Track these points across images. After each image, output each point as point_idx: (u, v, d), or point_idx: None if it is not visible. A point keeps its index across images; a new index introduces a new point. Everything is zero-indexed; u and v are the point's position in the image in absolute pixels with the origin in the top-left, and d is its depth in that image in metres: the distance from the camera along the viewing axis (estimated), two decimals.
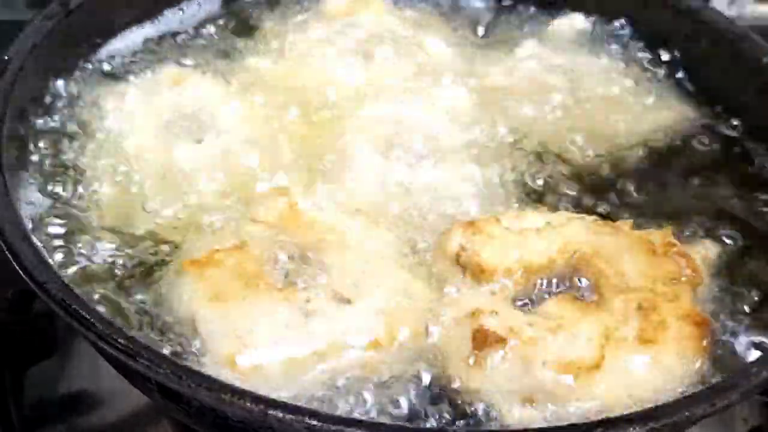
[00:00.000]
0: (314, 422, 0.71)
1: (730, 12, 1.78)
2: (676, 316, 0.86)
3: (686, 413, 0.76)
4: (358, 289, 0.89)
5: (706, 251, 0.97)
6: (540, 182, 1.07)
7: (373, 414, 0.81)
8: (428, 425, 0.81)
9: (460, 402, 0.83)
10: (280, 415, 0.72)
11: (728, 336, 0.90)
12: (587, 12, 1.33)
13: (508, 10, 1.36)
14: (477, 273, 0.90)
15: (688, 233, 1.00)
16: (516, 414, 0.81)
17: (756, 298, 0.95)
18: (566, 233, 0.93)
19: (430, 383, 0.84)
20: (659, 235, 0.94)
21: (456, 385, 0.83)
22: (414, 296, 0.90)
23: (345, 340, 0.85)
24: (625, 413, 0.79)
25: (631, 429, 0.74)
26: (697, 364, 0.85)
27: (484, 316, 0.85)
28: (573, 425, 0.78)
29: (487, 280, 0.89)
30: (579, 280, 0.91)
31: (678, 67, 1.27)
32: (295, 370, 0.83)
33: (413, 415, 0.82)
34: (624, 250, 0.91)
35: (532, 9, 1.36)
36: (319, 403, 0.82)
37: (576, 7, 1.34)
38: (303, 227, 0.94)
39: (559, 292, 0.90)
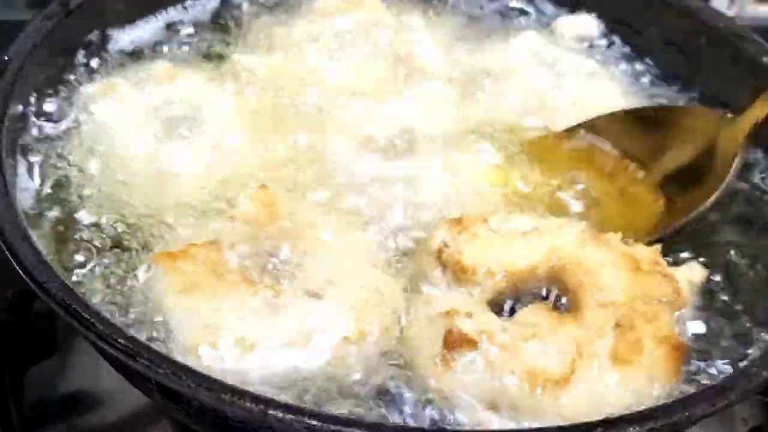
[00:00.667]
0: (314, 422, 0.71)
1: (730, 12, 1.78)
2: (653, 337, 0.84)
3: (686, 413, 0.76)
4: (331, 285, 0.89)
5: (692, 274, 0.94)
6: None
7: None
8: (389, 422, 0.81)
9: (421, 400, 0.82)
10: (280, 415, 0.72)
11: (703, 362, 0.88)
12: (587, 10, 1.33)
13: (502, 12, 1.37)
14: (457, 272, 0.88)
15: (679, 251, 0.99)
16: (477, 417, 0.81)
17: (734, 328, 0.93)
18: (552, 240, 0.92)
19: (393, 379, 0.84)
20: (646, 252, 0.92)
21: (421, 383, 0.83)
22: (387, 293, 0.90)
23: (312, 335, 0.85)
24: (625, 413, 0.79)
25: (631, 429, 0.74)
26: (669, 388, 0.83)
27: (459, 317, 0.84)
28: (573, 425, 0.78)
29: (467, 280, 0.88)
30: (559, 290, 0.90)
31: (676, 67, 1.27)
32: (260, 361, 0.84)
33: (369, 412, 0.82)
34: (608, 264, 0.90)
35: (532, 12, 1.36)
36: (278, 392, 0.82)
37: (574, 7, 1.34)
38: (279, 224, 0.95)
39: (538, 301, 0.89)
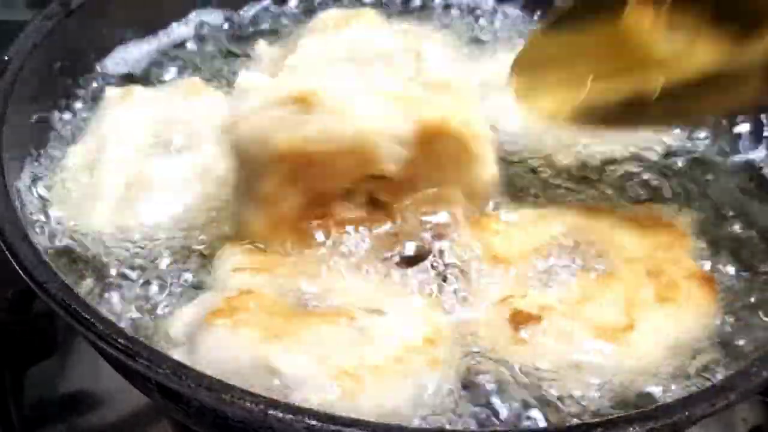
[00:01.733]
0: (314, 422, 0.71)
1: None
2: (683, 276, 0.92)
3: (686, 413, 0.76)
4: (377, 300, 0.90)
5: (684, 218, 1.02)
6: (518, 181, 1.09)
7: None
8: (501, 412, 0.84)
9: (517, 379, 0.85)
10: (280, 415, 0.72)
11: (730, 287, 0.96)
12: None
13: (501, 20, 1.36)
14: (493, 263, 0.93)
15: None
16: (570, 381, 0.85)
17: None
18: (561, 220, 0.98)
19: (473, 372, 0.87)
20: (641, 211, 1.01)
21: (507, 365, 0.86)
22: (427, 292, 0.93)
23: (405, 344, 0.86)
24: (624, 413, 0.79)
25: (631, 429, 0.74)
26: (715, 314, 0.91)
27: (515, 300, 0.90)
28: (573, 426, 0.78)
29: (505, 268, 0.93)
30: (586, 256, 0.95)
31: None
32: (384, 379, 0.83)
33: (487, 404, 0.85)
34: (616, 228, 0.97)
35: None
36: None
37: None
38: (282, 265, 0.92)
39: (570, 271, 0.94)
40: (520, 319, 0.88)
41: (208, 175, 1.02)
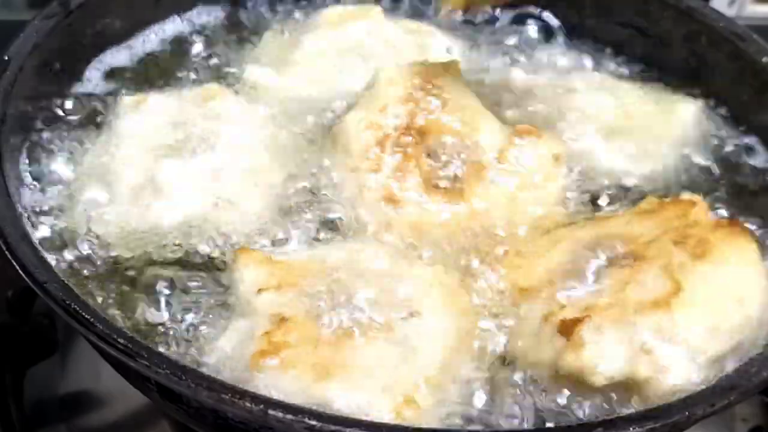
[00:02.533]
0: (314, 422, 0.71)
1: (730, 12, 1.78)
2: (707, 231, 0.92)
3: (686, 413, 0.76)
4: (409, 300, 0.89)
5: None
6: None
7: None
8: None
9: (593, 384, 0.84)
10: (280, 415, 0.72)
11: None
12: (582, 11, 1.33)
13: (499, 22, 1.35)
14: (523, 297, 0.93)
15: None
16: (648, 364, 0.83)
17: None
18: (573, 235, 0.97)
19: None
20: (646, 204, 1.00)
21: (575, 375, 0.84)
22: (448, 281, 0.93)
23: (449, 343, 0.86)
24: (624, 413, 0.79)
25: (631, 429, 0.74)
26: (755, 248, 0.92)
27: (557, 315, 0.88)
28: (573, 426, 0.78)
29: (536, 296, 0.92)
30: (608, 256, 0.94)
31: (676, 68, 1.27)
32: (438, 391, 0.83)
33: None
34: (626, 224, 0.97)
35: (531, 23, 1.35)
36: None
37: (571, 6, 1.34)
38: (303, 275, 0.90)
39: (600, 273, 0.92)
40: (568, 326, 0.85)
41: (224, 178, 1.01)
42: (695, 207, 0.96)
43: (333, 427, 0.71)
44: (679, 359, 0.83)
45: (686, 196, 1.01)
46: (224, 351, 0.86)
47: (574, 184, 1.08)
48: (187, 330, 0.89)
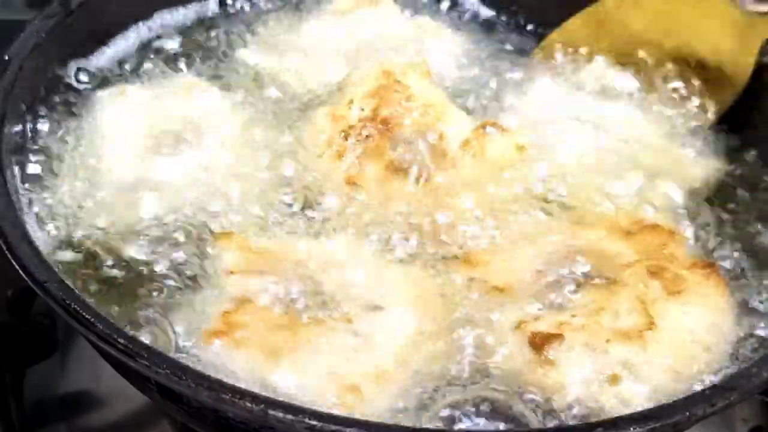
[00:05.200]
0: (314, 422, 0.71)
1: None
2: (684, 268, 0.92)
3: (686, 413, 0.76)
4: (376, 295, 0.90)
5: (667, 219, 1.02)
6: None
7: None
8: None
9: (551, 401, 0.83)
10: (281, 415, 0.72)
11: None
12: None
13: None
14: (497, 294, 0.92)
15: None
16: (611, 396, 0.82)
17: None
18: (548, 240, 0.97)
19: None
20: (622, 219, 1.00)
21: (537, 387, 0.84)
22: (419, 279, 0.94)
23: (406, 340, 0.86)
24: (624, 413, 0.79)
25: (632, 429, 0.74)
26: (726, 298, 0.91)
27: (530, 323, 0.87)
28: (573, 426, 0.78)
29: (506, 295, 0.92)
30: (583, 271, 0.94)
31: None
32: (389, 384, 0.84)
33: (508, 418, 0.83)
34: (604, 239, 0.96)
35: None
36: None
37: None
38: (275, 260, 0.92)
39: (575, 287, 0.92)
40: (540, 340, 0.84)
41: (212, 171, 1.03)
42: (674, 238, 0.96)
43: (333, 427, 0.71)
44: (640, 396, 0.83)
45: (665, 224, 0.99)
46: (184, 320, 0.88)
47: (542, 179, 1.06)
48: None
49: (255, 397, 0.73)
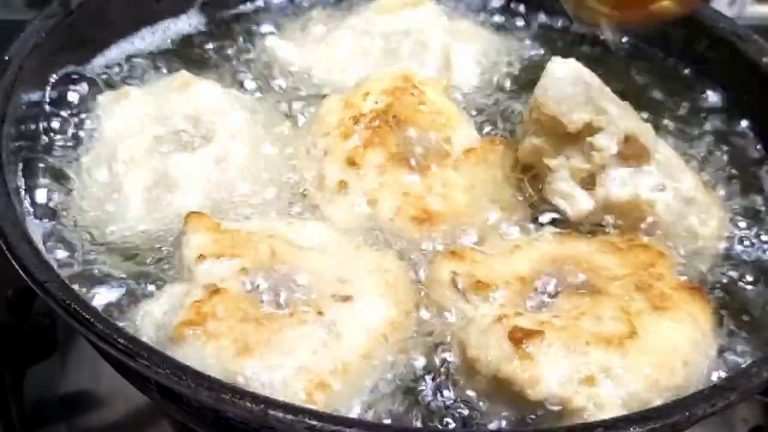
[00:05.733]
0: (314, 422, 0.71)
1: (730, 12, 1.78)
2: (671, 288, 0.92)
3: (686, 413, 0.76)
4: (347, 283, 0.90)
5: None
6: None
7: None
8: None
9: (527, 396, 0.83)
10: (281, 415, 0.72)
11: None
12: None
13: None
14: (480, 289, 0.91)
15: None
16: (585, 397, 0.82)
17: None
18: (538, 247, 0.97)
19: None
20: (616, 236, 0.99)
21: (512, 382, 0.83)
22: (392, 269, 0.94)
23: (376, 332, 0.87)
24: (624, 414, 0.79)
25: (632, 429, 0.74)
26: (709, 320, 0.91)
27: (511, 318, 0.87)
28: (573, 426, 0.78)
29: (492, 293, 0.91)
30: (575, 279, 0.93)
31: (679, 68, 1.27)
32: (356, 378, 0.84)
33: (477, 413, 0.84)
34: (594, 252, 0.96)
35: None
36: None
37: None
38: (247, 246, 0.92)
39: (558, 293, 0.92)
40: (520, 335, 0.84)
41: (227, 164, 1.04)
42: (663, 259, 0.95)
43: (333, 427, 0.71)
44: (614, 400, 0.82)
45: (656, 245, 0.98)
46: (154, 315, 0.88)
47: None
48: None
49: (255, 397, 0.73)
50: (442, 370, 0.88)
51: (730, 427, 1.17)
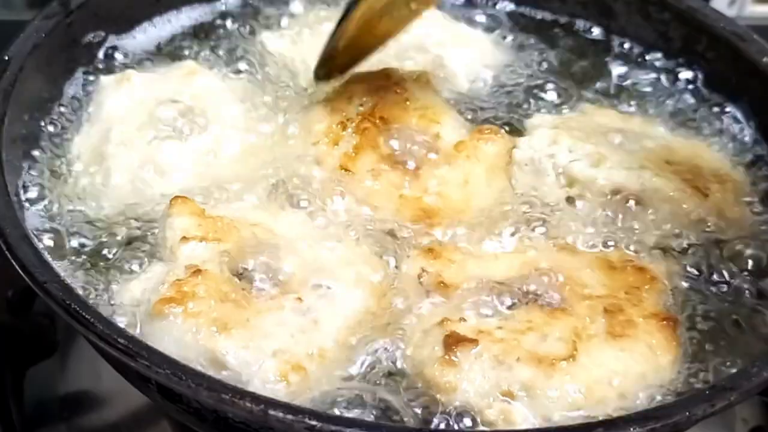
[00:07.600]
0: (314, 422, 0.71)
1: (730, 12, 1.78)
2: (643, 315, 0.89)
3: (686, 413, 0.76)
4: (327, 273, 0.91)
5: (662, 266, 0.98)
6: None
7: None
8: (406, 422, 0.83)
9: (438, 401, 0.83)
10: (281, 415, 0.72)
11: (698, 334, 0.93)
12: (588, 13, 1.33)
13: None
14: (441, 289, 0.92)
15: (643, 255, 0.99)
16: (497, 411, 0.82)
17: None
18: (525, 254, 0.97)
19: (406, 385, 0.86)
20: (615, 254, 0.98)
21: (432, 385, 0.84)
22: (371, 261, 0.96)
23: (353, 320, 0.88)
24: (624, 414, 0.79)
25: (631, 429, 0.74)
26: (674, 357, 0.88)
27: (452, 323, 0.87)
28: (573, 426, 0.78)
29: (452, 295, 0.91)
30: (543, 292, 0.92)
31: (679, 68, 1.27)
32: (331, 364, 0.85)
33: (392, 411, 0.84)
34: (583, 266, 0.95)
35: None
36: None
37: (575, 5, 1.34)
38: (230, 232, 0.93)
39: (518, 304, 0.91)
40: (453, 341, 0.84)
41: (218, 155, 1.05)
42: (653, 284, 0.93)
43: (333, 427, 0.71)
44: (527, 419, 0.81)
45: (652, 269, 0.95)
46: (134, 294, 0.89)
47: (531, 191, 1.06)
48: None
49: (255, 397, 0.73)
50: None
51: (730, 427, 1.17)
